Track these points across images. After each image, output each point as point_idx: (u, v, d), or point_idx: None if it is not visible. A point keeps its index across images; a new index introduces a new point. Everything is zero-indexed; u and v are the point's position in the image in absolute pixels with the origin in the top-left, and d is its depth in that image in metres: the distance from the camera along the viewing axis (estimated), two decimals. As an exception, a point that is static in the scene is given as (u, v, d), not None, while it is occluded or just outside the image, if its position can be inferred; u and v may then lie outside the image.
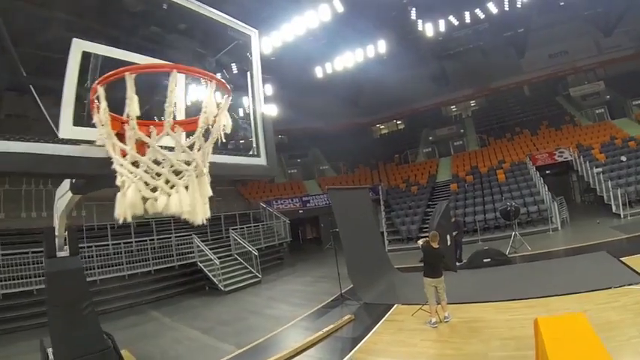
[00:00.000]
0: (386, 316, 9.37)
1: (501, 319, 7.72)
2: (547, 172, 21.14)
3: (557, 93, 31.60)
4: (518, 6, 23.96)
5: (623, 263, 10.16)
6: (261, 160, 4.75)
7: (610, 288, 8.23)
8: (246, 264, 16.72)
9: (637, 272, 9.06)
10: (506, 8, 23.84)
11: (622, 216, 16.77)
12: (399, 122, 37.74)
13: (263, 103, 4.76)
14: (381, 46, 23.45)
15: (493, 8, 23.27)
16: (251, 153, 4.75)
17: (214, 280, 14.73)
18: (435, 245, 8.24)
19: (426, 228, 19.82)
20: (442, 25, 24.64)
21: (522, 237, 15.19)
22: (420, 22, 24.29)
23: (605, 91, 28.61)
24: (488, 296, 9.44)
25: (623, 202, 16.98)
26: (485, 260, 12.64)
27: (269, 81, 22.37)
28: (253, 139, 4.77)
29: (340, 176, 29.15)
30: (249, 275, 16.19)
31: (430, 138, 31.80)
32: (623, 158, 20.24)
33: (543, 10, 26.79)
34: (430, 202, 22.38)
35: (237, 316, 11.36)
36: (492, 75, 32.47)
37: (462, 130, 31.55)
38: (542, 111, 29.79)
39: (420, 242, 8.75)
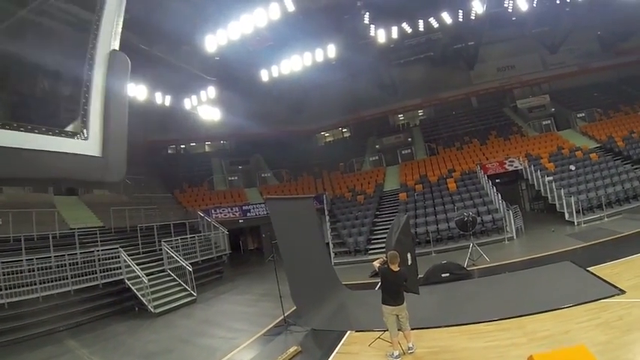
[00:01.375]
0: (338, 346, 7.76)
1: (475, 348, 6.31)
2: (497, 180, 20.74)
3: (504, 105, 32.17)
4: (472, 18, 23.83)
5: (591, 273, 9.69)
6: (90, 147, 1.34)
7: (586, 303, 7.57)
8: (180, 280, 14.57)
9: (608, 283, 8.62)
10: (460, 19, 23.58)
11: (576, 223, 16.41)
12: (344, 130, 36.87)
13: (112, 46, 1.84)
14: (331, 50, 22.21)
15: (447, 18, 22.83)
16: (70, 131, 1.79)
17: (143, 300, 12.72)
18: (395, 268, 6.68)
19: (376, 240, 18.65)
20: (395, 32, 23.89)
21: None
22: (372, 27, 23.42)
23: (551, 104, 29.51)
24: (454, 318, 8.06)
25: (577, 209, 16.67)
26: (443, 275, 11.35)
27: (212, 83, 21.41)
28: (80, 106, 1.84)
29: (283, 184, 27.53)
30: (184, 294, 14.08)
31: (377, 146, 30.87)
32: (572, 167, 20.26)
33: (495, 25, 27.16)
34: (378, 212, 21.21)
35: (165, 347, 9.37)
36: (441, 85, 32.49)
37: (409, 139, 30.97)
38: (490, 121, 29.92)
39: (377, 264, 7.21)
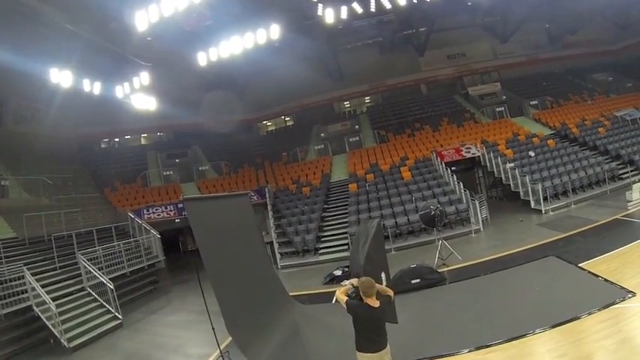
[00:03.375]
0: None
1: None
2: (453, 168, 19.29)
3: (455, 92, 31.36)
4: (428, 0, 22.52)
5: (587, 271, 8.48)
6: None
7: (595, 311, 6.42)
8: (101, 300, 11.55)
9: (611, 283, 7.50)
10: (415, 0, 22.04)
11: (543, 212, 15.19)
12: (287, 118, 34.76)
13: None
14: (274, 31, 19.60)
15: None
16: None
17: (54, 331, 9.76)
18: (374, 302, 4.30)
19: (326, 238, 16.47)
20: (344, 12, 21.77)
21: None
22: (320, 5, 21.18)
23: (502, 92, 29.21)
24: (439, 346, 6.07)
25: (544, 197, 15.50)
26: (413, 282, 9.32)
27: (146, 68, 18.91)
28: None
29: (222, 177, 24.80)
30: (107, 317, 11.07)
31: (322, 134, 29.17)
32: (532, 153, 19.25)
33: (447, 12, 26.60)
34: (326, 205, 19.08)
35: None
36: (390, 72, 31.28)
37: (356, 127, 29.30)
38: (441, 108, 28.93)
39: (342, 298, 4.58)
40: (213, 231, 7.34)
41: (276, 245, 16.46)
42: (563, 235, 11.74)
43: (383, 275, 5.67)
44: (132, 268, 14.32)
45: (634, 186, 13.56)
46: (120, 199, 21.48)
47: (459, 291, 9.20)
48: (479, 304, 8.18)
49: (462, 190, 16.14)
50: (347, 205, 18.03)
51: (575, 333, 6.02)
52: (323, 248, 15.94)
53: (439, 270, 10.21)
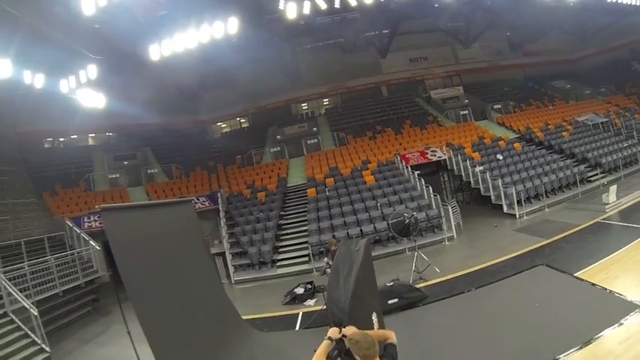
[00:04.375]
0: None
1: None
2: (418, 172, 18.22)
3: (417, 95, 30.79)
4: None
5: (586, 281, 7.57)
6: None
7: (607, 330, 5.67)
8: (26, 329, 9.05)
9: (617, 294, 6.73)
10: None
11: (518, 216, 14.24)
12: (242, 120, 33.07)
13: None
14: (232, 25, 17.77)
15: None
16: None
17: None
18: None
19: (284, 249, 14.69)
20: (307, 7, 20.29)
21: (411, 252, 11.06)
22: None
23: (464, 96, 28.92)
24: None
25: (517, 201, 14.65)
26: (391, 302, 7.78)
27: (94, 61, 17.00)
28: None
29: (172, 182, 22.65)
30: (33, 350, 8.64)
31: (278, 137, 27.36)
32: (500, 157, 18.50)
33: (413, 15, 25.66)
34: (283, 212, 17.38)
35: None
36: (350, 74, 30.38)
37: (314, 129, 27.86)
38: (402, 111, 28.11)
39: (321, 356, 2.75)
40: (140, 247, 5.51)
41: (229, 257, 14.48)
42: (547, 241, 10.75)
43: (374, 317, 4.07)
44: (66, 287, 11.82)
45: (610, 188, 13.00)
46: (60, 204, 18.68)
47: (446, 311, 7.77)
48: (473, 326, 6.82)
49: (432, 195, 14.95)
50: (306, 211, 16.39)
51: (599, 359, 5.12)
52: (281, 260, 14.17)
53: (417, 285, 8.74)
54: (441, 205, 14.17)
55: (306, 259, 13.63)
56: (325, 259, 8.70)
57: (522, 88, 29.99)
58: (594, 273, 7.96)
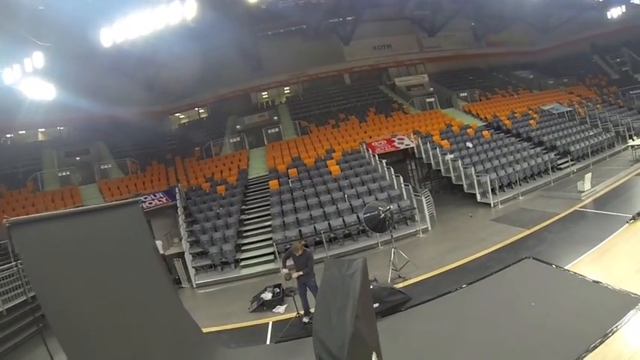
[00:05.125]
0: None
1: None
2: (384, 160, 17.36)
3: (380, 82, 30.18)
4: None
5: (579, 275, 6.91)
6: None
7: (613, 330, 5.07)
8: None
9: (614, 289, 6.11)
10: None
11: (492, 205, 13.58)
12: (201, 110, 31.48)
13: None
14: (190, 7, 15.98)
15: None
16: None
17: None
18: None
19: (248, 247, 13.38)
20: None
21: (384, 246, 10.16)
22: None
23: (429, 84, 28.58)
24: None
25: (487, 190, 14.05)
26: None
27: (41, 48, 15.40)
28: None
29: (128, 177, 20.79)
30: None
31: (238, 127, 26.28)
32: (470, 144, 17.89)
33: (378, 2, 25.58)
34: (244, 206, 16.02)
35: None
36: (312, 61, 29.32)
37: (275, 118, 26.99)
38: (366, 99, 27.32)
39: None
40: (65, 266, 4.15)
41: (189, 258, 12.93)
42: (529, 232, 10.07)
43: (374, 358, 2.94)
44: (9, 305, 9.88)
45: (585, 176, 12.56)
46: (5, 208, 16.37)
47: (433, 314, 6.80)
48: (465, 331, 5.94)
49: (403, 185, 14.02)
50: (269, 205, 15.08)
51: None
52: (245, 259, 12.80)
53: (396, 285, 7.70)
54: (413, 196, 13.25)
55: (272, 257, 12.38)
56: (285, 270, 7.48)
57: (487, 77, 29.93)
58: (585, 265, 7.33)
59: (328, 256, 11.68)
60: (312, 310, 7.30)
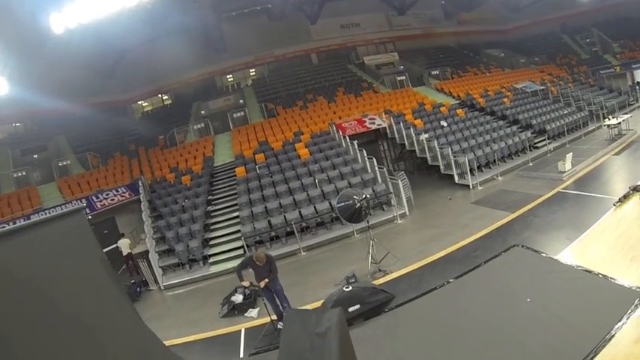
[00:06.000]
0: None
1: None
2: (355, 142, 16.47)
3: (349, 62, 29.01)
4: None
5: (574, 266, 6.32)
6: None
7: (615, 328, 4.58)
8: None
9: (611, 278, 5.65)
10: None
11: (471, 187, 12.89)
12: (165, 97, 29.87)
13: None
14: None
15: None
16: None
17: None
18: None
19: (216, 242, 12.23)
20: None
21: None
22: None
23: (399, 62, 27.68)
24: None
25: (465, 171, 13.34)
26: (352, 310, 5.86)
27: None
28: None
29: (89, 173, 19.03)
30: None
31: (202, 112, 25.24)
32: (444, 123, 17.15)
33: None
34: (211, 197, 14.80)
35: None
36: (278, 42, 28.10)
37: (241, 101, 25.81)
38: (335, 78, 26.13)
39: None
40: None
41: (155, 257, 11.60)
42: (513, 216, 9.39)
43: None
44: None
45: (566, 156, 12.01)
46: None
47: (420, 314, 6.01)
48: (459, 332, 5.26)
49: (377, 168, 13.12)
50: (236, 194, 13.92)
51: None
52: (213, 255, 11.62)
53: (376, 281, 6.80)
54: (388, 179, 12.37)
55: (242, 251, 11.26)
56: (245, 283, 6.48)
57: (458, 55, 29.35)
58: (577, 254, 6.73)
59: (301, 250, 10.70)
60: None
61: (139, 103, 29.26)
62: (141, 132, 23.87)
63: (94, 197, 15.38)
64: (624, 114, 16.64)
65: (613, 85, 22.53)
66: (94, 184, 17.11)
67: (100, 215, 15.30)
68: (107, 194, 15.55)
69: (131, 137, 23.13)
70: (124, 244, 12.86)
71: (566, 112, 18.17)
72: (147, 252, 11.78)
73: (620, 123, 14.82)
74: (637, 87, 22.23)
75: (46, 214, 14.85)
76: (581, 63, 27.15)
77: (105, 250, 13.38)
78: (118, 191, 15.88)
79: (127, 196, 15.80)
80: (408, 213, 11.70)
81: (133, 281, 10.85)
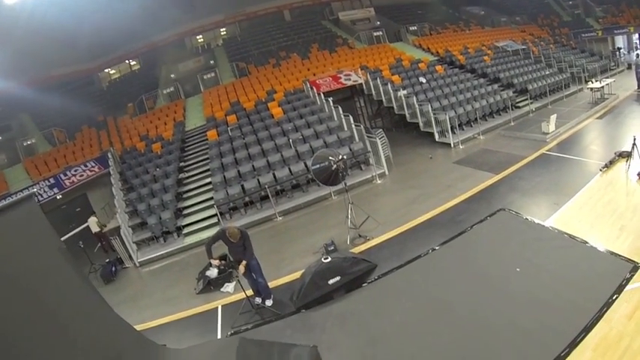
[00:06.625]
0: None
1: None
2: (330, 99, 15.61)
3: (323, 17, 27.36)
4: None
5: (566, 234, 6.02)
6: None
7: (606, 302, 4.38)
8: None
9: (604, 250, 5.39)
10: None
11: (453, 145, 12.37)
12: (133, 62, 27.97)
13: None
14: None
15: None
16: None
17: None
18: None
19: (190, 211, 11.37)
20: None
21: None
22: None
23: (376, 18, 26.33)
24: None
25: (446, 129, 12.79)
26: (332, 282, 5.34)
27: None
28: None
29: (56, 149, 17.53)
30: None
31: (172, 75, 23.89)
32: (423, 80, 16.43)
33: None
34: (183, 163, 13.77)
35: None
36: None
37: (211, 62, 24.56)
38: (308, 35, 24.72)
39: None
40: None
41: (129, 231, 10.61)
42: (497, 177, 8.90)
43: None
44: None
45: (551, 117, 11.55)
46: None
47: (404, 285, 5.52)
48: (446, 305, 4.93)
49: (353, 125, 12.33)
50: (207, 159, 13.04)
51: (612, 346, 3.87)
52: (187, 226, 10.79)
53: (356, 248, 6.18)
54: (366, 137, 11.62)
55: (215, 220, 10.45)
56: (215, 261, 5.74)
57: (437, 11, 28.14)
58: (566, 220, 6.40)
59: (277, 215, 9.95)
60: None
61: (106, 71, 27.45)
62: (109, 101, 22.42)
63: (62, 175, 14.21)
64: (607, 78, 16.29)
65: (594, 49, 22.14)
66: (62, 160, 15.82)
67: (71, 193, 14.32)
68: (76, 170, 14.47)
69: (99, 108, 21.60)
70: (92, 222, 11.86)
71: (547, 72, 17.64)
72: (117, 229, 10.80)
73: (603, 87, 14.47)
74: (617, 52, 21.96)
75: (13, 198, 13.68)
76: (563, 25, 26.55)
77: (78, 230, 12.48)
78: (87, 166, 14.77)
79: (97, 170, 14.74)
80: (387, 172, 11.09)
81: (107, 260, 9.97)
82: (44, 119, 20.21)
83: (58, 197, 13.77)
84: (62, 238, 12.19)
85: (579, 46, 22.64)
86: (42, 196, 13.35)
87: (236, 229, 5.47)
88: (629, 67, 19.84)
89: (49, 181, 13.81)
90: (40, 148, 18.03)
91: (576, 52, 21.42)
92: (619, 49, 22.70)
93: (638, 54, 20.91)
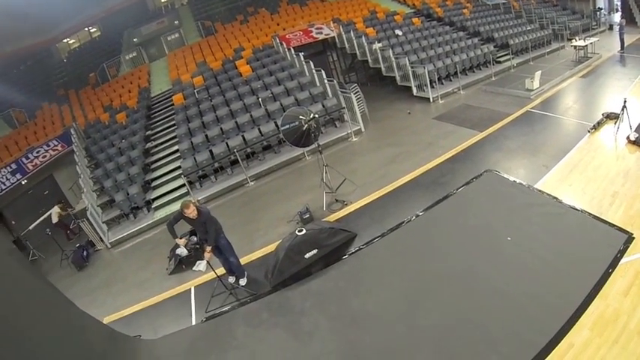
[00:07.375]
0: None
1: None
2: (301, 53, 14.62)
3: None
4: None
5: (555, 198, 5.67)
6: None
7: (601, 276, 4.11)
8: None
9: (596, 217, 5.07)
10: None
11: (432, 100, 11.77)
12: (93, 29, 25.50)
13: None
14: None
15: None
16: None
17: None
18: None
19: (159, 184, 10.49)
20: None
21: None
22: None
23: None
24: None
25: (425, 82, 12.12)
26: (308, 256, 4.86)
27: None
28: None
29: (17, 131, 15.99)
30: None
31: (135, 39, 21.98)
32: (399, 32, 15.52)
33: None
34: (150, 132, 12.72)
35: None
36: None
37: (176, 22, 22.64)
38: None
39: None
40: None
41: (98, 212, 9.69)
42: (482, 135, 8.36)
43: None
44: None
45: (536, 74, 11.00)
46: None
47: (388, 257, 5.02)
48: (433, 278, 4.52)
49: (326, 81, 11.46)
50: (174, 126, 12.02)
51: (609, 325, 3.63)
52: (157, 199, 9.94)
53: (333, 215, 5.57)
54: (339, 93, 10.80)
55: (185, 190, 9.57)
56: (181, 240, 5.03)
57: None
58: (556, 185, 6.02)
59: (249, 180, 9.18)
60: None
61: (65, 41, 25.14)
62: (70, 73, 20.79)
63: (23, 159, 12.95)
64: (590, 36, 15.80)
65: (576, 8, 21.51)
66: (23, 142, 14.46)
67: (36, 176, 13.12)
68: (38, 151, 13.33)
69: (59, 81, 20.07)
70: (53, 212, 10.78)
71: (529, 28, 16.97)
72: (84, 211, 9.86)
73: (587, 45, 13.97)
74: (598, 13, 21.46)
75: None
76: (545, -20, 25.64)
77: (46, 216, 11.35)
78: (49, 145, 13.58)
79: (60, 148, 13.53)
80: (363, 129, 10.42)
81: (78, 245, 9.05)
82: (1, 100, 18.46)
83: (22, 183, 12.65)
84: (30, 227, 11.15)
85: (561, 3, 21.91)
86: (4, 184, 12.17)
87: (189, 201, 4.74)
88: (610, 27, 19.52)
89: (11, 167, 12.66)
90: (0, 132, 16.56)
91: (558, 10, 20.74)
92: (600, 9, 22.15)
93: (622, 15, 20.47)
